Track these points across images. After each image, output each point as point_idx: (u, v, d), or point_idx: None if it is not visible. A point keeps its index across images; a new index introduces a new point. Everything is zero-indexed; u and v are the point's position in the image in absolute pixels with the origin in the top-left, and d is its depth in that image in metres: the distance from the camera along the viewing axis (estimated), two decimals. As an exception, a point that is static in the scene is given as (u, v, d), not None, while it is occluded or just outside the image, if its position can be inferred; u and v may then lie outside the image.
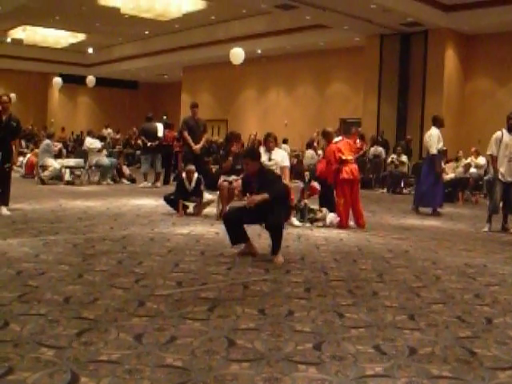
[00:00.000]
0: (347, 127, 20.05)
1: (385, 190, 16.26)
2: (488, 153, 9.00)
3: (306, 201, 9.06)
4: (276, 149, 8.63)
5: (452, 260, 6.23)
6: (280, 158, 8.41)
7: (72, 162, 15.00)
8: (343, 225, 8.51)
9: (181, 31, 25.18)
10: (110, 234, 7.08)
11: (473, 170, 14.50)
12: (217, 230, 7.53)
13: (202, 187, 9.43)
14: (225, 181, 8.89)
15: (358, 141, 16.48)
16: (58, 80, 26.00)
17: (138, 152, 20.07)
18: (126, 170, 16.05)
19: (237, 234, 6.01)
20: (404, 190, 16.20)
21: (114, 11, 21.23)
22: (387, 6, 16.15)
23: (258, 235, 6.96)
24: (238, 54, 17.07)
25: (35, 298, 4.02)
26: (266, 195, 5.74)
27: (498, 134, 8.77)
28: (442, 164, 11.73)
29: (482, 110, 18.56)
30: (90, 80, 25.87)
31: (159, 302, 4.04)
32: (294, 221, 8.53)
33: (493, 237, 8.30)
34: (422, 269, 5.70)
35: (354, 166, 8.71)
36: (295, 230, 8.08)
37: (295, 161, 18.33)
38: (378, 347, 3.30)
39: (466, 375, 2.96)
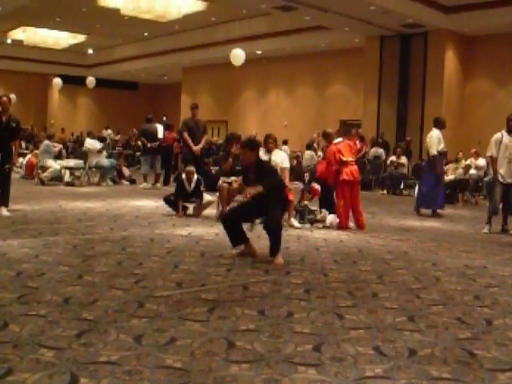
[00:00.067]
0: (347, 129, 20.07)
1: (385, 192, 16.25)
2: (488, 154, 9.00)
3: (305, 202, 9.06)
4: (276, 150, 8.64)
5: (452, 261, 6.23)
6: (280, 159, 8.42)
7: (72, 162, 14.99)
8: (343, 226, 8.51)
9: (181, 32, 25.18)
10: (110, 235, 7.08)
11: (473, 171, 14.51)
12: (216, 231, 7.53)
13: (202, 188, 9.43)
14: (225, 182, 8.89)
15: (357, 142, 16.50)
16: (57, 81, 26.00)
17: (138, 153, 20.08)
18: (126, 171, 16.06)
19: (236, 235, 6.01)
20: (404, 192, 16.21)
21: (114, 12, 21.24)
22: (387, 7, 16.17)
23: (257, 237, 6.95)
24: (238, 55, 17.07)
25: (35, 299, 4.02)
26: (259, 188, 5.75)
27: (498, 135, 8.78)
28: (444, 165, 11.73)
29: (482, 111, 18.57)
30: (90, 81, 25.88)
31: (159, 303, 4.04)
32: (294, 222, 8.53)
33: (493, 238, 8.30)
34: (421, 270, 5.70)
35: (354, 168, 8.71)
36: (295, 231, 8.09)
37: (295, 162, 18.32)
38: (378, 348, 3.30)
39: (465, 377, 2.95)
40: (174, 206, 9.26)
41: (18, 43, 28.10)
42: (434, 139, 10.53)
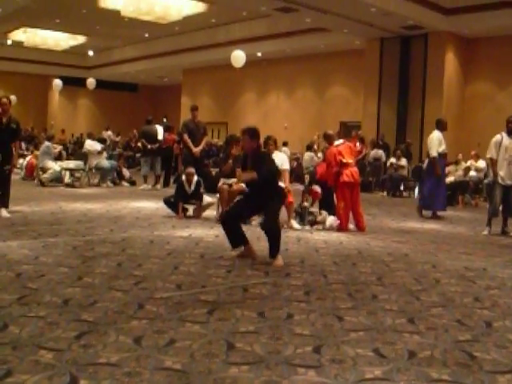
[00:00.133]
0: (347, 130, 20.09)
1: (385, 193, 16.26)
2: (488, 156, 9.00)
3: (305, 204, 9.06)
4: (276, 152, 8.65)
5: (452, 263, 6.23)
6: (280, 161, 8.41)
7: (72, 164, 15.00)
8: (343, 228, 8.51)
9: (181, 34, 25.19)
10: (110, 236, 7.07)
11: (473, 173, 14.51)
12: (216, 233, 7.53)
13: (202, 190, 9.43)
14: (225, 184, 8.88)
15: (357, 144, 16.50)
16: (58, 82, 26.01)
17: (138, 154, 20.09)
18: (126, 173, 16.06)
19: (236, 236, 6.02)
20: (404, 194, 16.22)
21: (114, 14, 21.25)
22: (387, 9, 16.18)
23: (257, 238, 6.96)
24: (239, 57, 17.09)
25: (34, 301, 4.02)
26: (254, 174, 5.76)
27: (498, 137, 8.78)
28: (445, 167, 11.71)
29: (482, 113, 18.58)
30: (90, 82, 25.89)
31: (158, 305, 4.04)
32: (294, 224, 8.53)
33: (492, 240, 8.30)
34: (421, 272, 5.70)
35: (355, 169, 8.72)
36: (295, 233, 8.08)
37: (295, 164, 18.34)
38: (378, 350, 3.30)
39: (465, 379, 2.95)
40: (173, 207, 9.26)
41: (18, 44, 28.12)
42: (435, 141, 10.53)
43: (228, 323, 3.70)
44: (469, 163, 14.87)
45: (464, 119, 18.81)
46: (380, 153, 17.40)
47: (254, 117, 25.76)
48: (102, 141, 16.47)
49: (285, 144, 19.73)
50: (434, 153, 10.50)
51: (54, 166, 14.29)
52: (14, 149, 8.61)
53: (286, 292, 4.62)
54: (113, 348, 3.15)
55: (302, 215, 8.82)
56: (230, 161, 9.13)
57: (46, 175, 14.09)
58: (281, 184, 8.33)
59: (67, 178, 14.30)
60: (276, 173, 6.18)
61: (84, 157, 15.33)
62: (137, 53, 28.85)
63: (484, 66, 18.73)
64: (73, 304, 3.99)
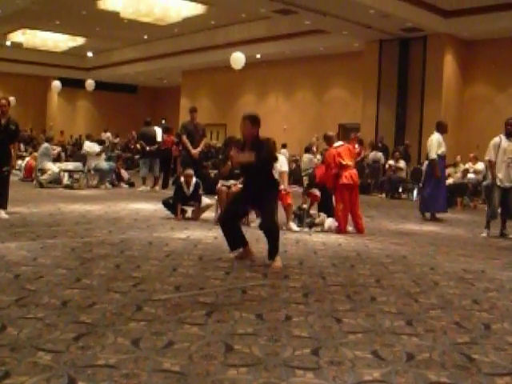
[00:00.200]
0: (346, 133, 20.10)
1: (383, 195, 16.27)
2: (486, 158, 9.01)
3: (304, 206, 9.06)
4: (275, 153, 8.64)
5: (450, 265, 6.23)
6: (279, 163, 8.42)
7: (71, 165, 15.01)
8: (342, 230, 8.51)
9: (180, 36, 25.21)
10: (109, 237, 7.07)
11: (471, 175, 14.52)
12: (215, 235, 7.53)
13: (201, 192, 9.43)
14: (223, 185, 8.88)
15: (356, 146, 16.51)
16: (57, 84, 26.02)
17: (137, 156, 20.09)
18: (125, 174, 16.06)
19: (235, 238, 6.01)
20: (402, 196, 16.23)
21: (114, 15, 21.26)
22: (386, 11, 16.21)
23: (256, 240, 6.96)
24: (238, 59, 17.10)
25: (33, 302, 4.01)
26: (252, 156, 5.70)
27: (496, 139, 8.79)
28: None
29: (481, 115, 18.60)
30: (90, 84, 25.89)
31: (157, 307, 4.04)
32: (293, 226, 8.53)
33: (491, 242, 8.31)
34: (420, 274, 5.70)
35: (354, 171, 8.71)
36: (293, 234, 8.08)
37: (294, 166, 18.35)
38: (376, 353, 3.30)
39: (463, 381, 2.95)
40: (172, 209, 9.25)
41: (17, 45, 28.11)
42: (434, 143, 10.54)
43: (226, 325, 3.70)
44: (467, 166, 14.88)
45: (463, 121, 18.83)
46: (379, 155, 17.41)
47: (253, 119, 25.74)
48: (100, 142, 16.48)
49: (284, 146, 19.73)
50: (433, 155, 10.51)
51: (53, 168, 14.28)
52: (12, 150, 8.61)
53: (285, 294, 4.61)
54: (111, 350, 3.14)
55: (301, 217, 8.82)
56: (229, 162, 9.14)
57: (44, 177, 14.09)
58: (280, 186, 8.38)
59: (66, 180, 14.30)
60: (275, 159, 6.09)
61: (83, 158, 15.35)
62: (136, 54, 28.86)
63: (483, 68, 18.76)
64: (71, 306, 3.98)
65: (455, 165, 14.97)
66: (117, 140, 26.80)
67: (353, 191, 8.69)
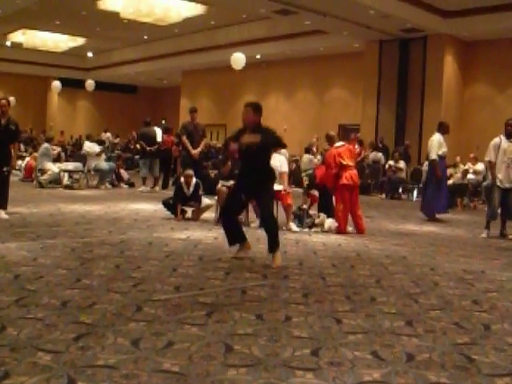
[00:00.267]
0: (346, 133, 20.10)
1: (383, 196, 16.27)
2: (486, 159, 9.01)
3: (304, 206, 9.06)
4: (275, 154, 8.63)
5: (450, 266, 6.23)
6: (279, 163, 8.44)
7: (71, 165, 15.00)
8: (341, 230, 8.50)
9: (180, 36, 25.21)
10: (108, 238, 7.07)
11: (471, 176, 14.53)
12: (215, 235, 7.53)
13: (201, 192, 9.43)
14: (223, 185, 8.88)
15: (356, 146, 16.51)
16: (57, 84, 26.02)
17: (137, 156, 20.09)
18: (125, 175, 16.06)
19: (233, 233, 6.03)
20: (402, 196, 16.23)
21: (114, 15, 21.26)
22: (386, 11, 16.21)
23: (256, 239, 6.96)
24: (239, 59, 17.10)
25: (33, 302, 4.01)
26: (257, 138, 5.68)
27: (496, 140, 8.79)
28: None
29: (481, 116, 18.60)
30: (90, 84, 25.89)
31: (157, 307, 4.04)
32: (292, 226, 8.53)
33: (491, 243, 8.31)
34: (419, 275, 5.70)
35: (354, 172, 8.71)
36: (293, 235, 8.08)
37: (294, 166, 18.34)
38: (376, 353, 3.30)
39: (463, 382, 2.95)
40: (172, 209, 9.25)
41: (17, 46, 28.11)
42: (435, 143, 10.53)
43: (226, 325, 3.70)
44: (466, 166, 14.89)
45: (463, 122, 18.83)
46: (379, 155, 17.41)
47: (253, 119, 25.76)
48: (100, 142, 16.48)
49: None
50: (433, 155, 10.51)
51: (53, 168, 14.28)
52: (12, 150, 8.61)
53: (285, 294, 4.61)
54: (111, 350, 3.14)
55: (301, 217, 8.82)
56: (229, 163, 9.16)
57: (44, 177, 14.09)
58: (280, 186, 8.38)
59: (66, 180, 14.29)
60: (282, 142, 6.01)
61: (83, 158, 15.34)
62: (136, 55, 28.86)
63: (483, 68, 18.76)
64: (71, 306, 3.98)
65: (455, 165, 14.97)
66: (117, 140, 26.80)
67: (353, 191, 8.70)
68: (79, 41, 28.13)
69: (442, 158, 10.59)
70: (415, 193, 15.70)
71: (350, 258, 6.51)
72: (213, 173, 15.12)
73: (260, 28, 21.90)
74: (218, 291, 4.61)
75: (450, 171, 14.48)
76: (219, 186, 8.99)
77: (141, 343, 3.28)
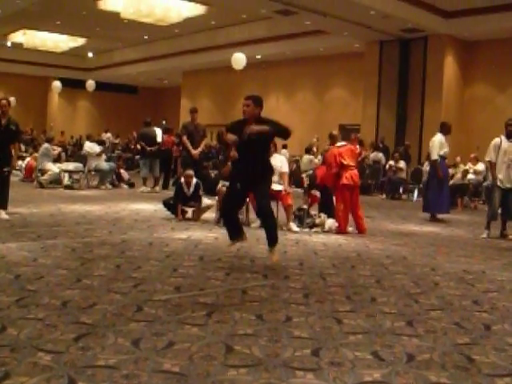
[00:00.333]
0: (346, 133, 20.08)
1: (384, 196, 16.27)
2: (487, 159, 9.02)
3: (304, 206, 9.06)
4: (275, 154, 8.65)
5: (450, 266, 6.23)
6: (279, 163, 8.44)
7: (71, 166, 15.00)
8: (342, 230, 8.50)
9: (181, 36, 25.21)
10: (109, 238, 7.07)
11: (472, 176, 14.52)
12: (215, 235, 7.53)
13: (201, 192, 9.43)
14: (224, 186, 8.87)
15: (357, 146, 16.50)
16: (57, 84, 26.02)
17: (137, 156, 20.09)
18: (125, 175, 16.05)
19: (234, 228, 6.03)
20: (403, 196, 16.22)
21: (114, 16, 21.25)
22: (387, 12, 16.21)
23: (256, 240, 6.97)
24: (239, 59, 17.10)
25: (33, 303, 4.01)
26: (266, 127, 5.64)
27: (497, 140, 8.79)
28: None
29: (482, 116, 18.60)
30: (90, 84, 25.90)
31: (157, 307, 4.04)
32: (293, 226, 8.53)
33: (491, 243, 8.30)
34: (420, 275, 5.69)
35: (355, 172, 8.71)
36: (294, 235, 8.08)
37: (294, 166, 18.34)
38: (376, 353, 3.29)
39: (464, 382, 2.95)
40: (172, 209, 9.25)
41: (17, 46, 28.11)
42: (436, 144, 10.52)
43: (227, 326, 3.70)
44: (467, 166, 14.88)
45: (463, 122, 18.82)
46: (380, 155, 17.41)
47: (254, 119, 25.75)
48: (101, 143, 16.47)
49: (284, 146, 19.72)
50: (434, 156, 10.51)
51: (53, 168, 14.28)
52: (13, 150, 8.61)
53: (285, 294, 4.61)
54: (111, 350, 3.14)
55: (301, 218, 8.82)
56: (229, 163, 9.15)
57: (45, 177, 14.09)
58: (280, 186, 8.39)
59: (66, 180, 14.29)
60: (286, 132, 5.87)
61: (83, 159, 15.33)
62: (137, 55, 28.86)
63: (483, 68, 18.76)
64: (71, 306, 3.98)
65: (455, 165, 14.97)
66: (117, 140, 26.80)
67: (353, 192, 8.70)
68: (79, 41, 28.12)
69: (443, 158, 10.58)
70: (416, 193, 15.69)
71: (350, 258, 6.51)
72: (213, 173, 15.11)
73: (260, 28, 21.90)
74: (218, 291, 4.61)
75: (450, 171, 14.49)
76: (219, 186, 8.99)
77: (141, 343, 3.28)
